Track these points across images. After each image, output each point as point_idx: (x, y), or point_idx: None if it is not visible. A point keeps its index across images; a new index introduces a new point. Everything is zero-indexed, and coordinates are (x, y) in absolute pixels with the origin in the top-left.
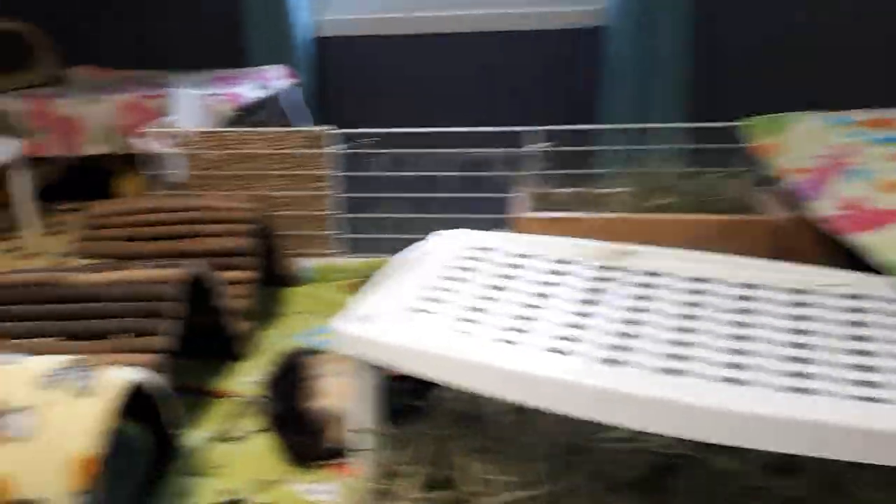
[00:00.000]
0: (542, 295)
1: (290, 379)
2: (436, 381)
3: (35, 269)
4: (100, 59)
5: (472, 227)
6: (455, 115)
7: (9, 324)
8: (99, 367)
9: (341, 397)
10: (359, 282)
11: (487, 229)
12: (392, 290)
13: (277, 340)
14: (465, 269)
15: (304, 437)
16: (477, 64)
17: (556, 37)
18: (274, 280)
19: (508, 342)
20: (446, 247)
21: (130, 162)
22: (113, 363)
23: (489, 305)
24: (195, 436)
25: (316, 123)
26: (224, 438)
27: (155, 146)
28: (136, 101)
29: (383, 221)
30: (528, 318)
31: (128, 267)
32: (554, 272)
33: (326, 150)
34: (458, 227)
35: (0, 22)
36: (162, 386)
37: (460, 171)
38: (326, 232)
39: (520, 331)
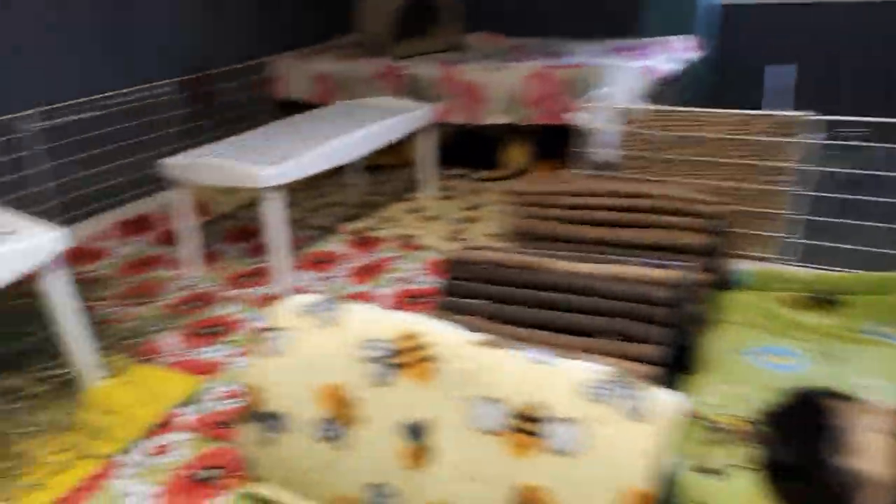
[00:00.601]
0: None
1: (806, 422)
2: None
3: (510, 249)
4: (493, 26)
5: None
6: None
7: (492, 304)
8: (641, 385)
9: (881, 459)
10: (805, 297)
11: None
12: None
13: (719, 353)
14: None
15: (821, 498)
16: None
17: None
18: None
19: None
20: None
21: (518, 132)
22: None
23: None
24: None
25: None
26: (701, 469)
27: (591, 121)
28: (544, 71)
29: (846, 228)
30: None
31: (612, 261)
32: None
33: (798, 139)
34: None
35: None
36: (685, 409)
37: None
38: (775, 234)
39: None
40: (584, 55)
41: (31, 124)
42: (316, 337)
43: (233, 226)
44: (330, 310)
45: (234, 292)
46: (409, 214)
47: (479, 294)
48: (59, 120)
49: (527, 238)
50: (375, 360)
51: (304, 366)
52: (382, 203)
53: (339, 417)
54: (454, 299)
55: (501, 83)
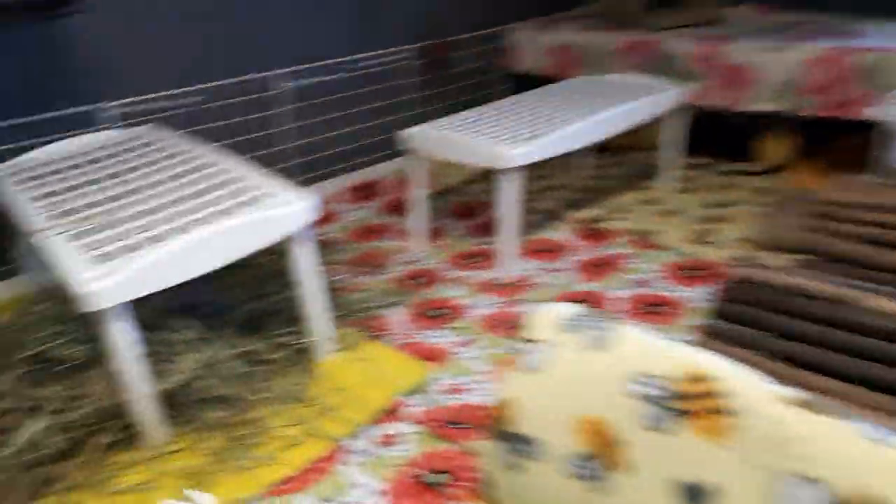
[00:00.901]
0: None
1: None
2: None
3: (803, 272)
4: None
5: None
6: None
7: (777, 339)
8: None
9: None
10: None
11: None
12: None
13: None
14: None
15: None
16: None
17: None
18: None
19: None
20: None
21: (781, 123)
22: None
23: None
24: None
25: None
26: None
27: None
28: (831, 54)
29: None
30: None
31: None
32: None
33: None
34: None
35: None
36: None
37: None
38: None
39: None
40: (883, 37)
41: (282, 83)
42: (580, 358)
43: (457, 201)
44: (600, 329)
45: (458, 273)
46: (643, 206)
47: (760, 324)
48: (306, 81)
49: (807, 254)
50: (651, 399)
51: (564, 389)
52: (613, 190)
53: (599, 456)
54: (727, 325)
55: (776, 66)
